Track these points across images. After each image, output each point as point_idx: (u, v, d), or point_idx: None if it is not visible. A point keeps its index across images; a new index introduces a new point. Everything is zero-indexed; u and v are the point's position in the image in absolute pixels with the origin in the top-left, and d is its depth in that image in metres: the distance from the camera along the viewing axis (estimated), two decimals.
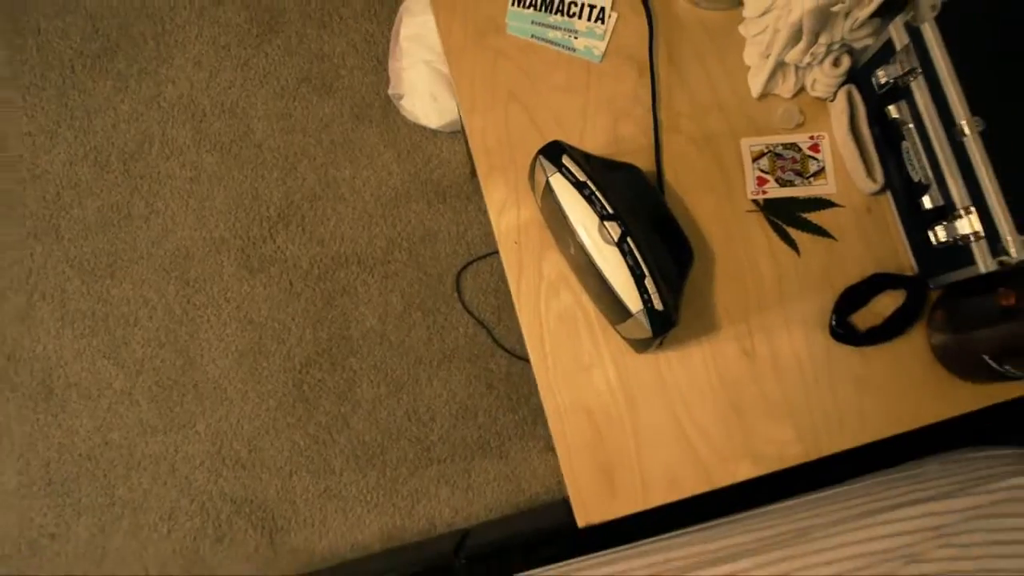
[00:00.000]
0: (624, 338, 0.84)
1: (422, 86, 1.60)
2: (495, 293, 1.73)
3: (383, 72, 1.75)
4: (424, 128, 1.73)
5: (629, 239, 0.76)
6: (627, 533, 0.94)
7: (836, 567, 0.79)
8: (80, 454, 1.69)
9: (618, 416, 0.88)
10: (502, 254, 0.92)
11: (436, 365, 1.70)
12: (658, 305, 0.75)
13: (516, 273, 0.91)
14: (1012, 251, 0.72)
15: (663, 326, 0.76)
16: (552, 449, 1.51)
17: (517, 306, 0.91)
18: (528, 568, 0.93)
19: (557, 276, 0.91)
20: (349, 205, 1.73)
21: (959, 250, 0.79)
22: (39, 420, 1.69)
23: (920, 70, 0.78)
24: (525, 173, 0.92)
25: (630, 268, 0.75)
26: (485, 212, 1.49)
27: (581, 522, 0.85)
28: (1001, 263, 0.74)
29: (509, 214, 0.92)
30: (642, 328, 0.76)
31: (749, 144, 0.93)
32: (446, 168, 1.74)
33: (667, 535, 0.91)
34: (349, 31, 1.78)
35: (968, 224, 0.76)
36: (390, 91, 1.68)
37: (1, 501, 1.68)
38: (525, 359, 1.67)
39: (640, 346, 0.83)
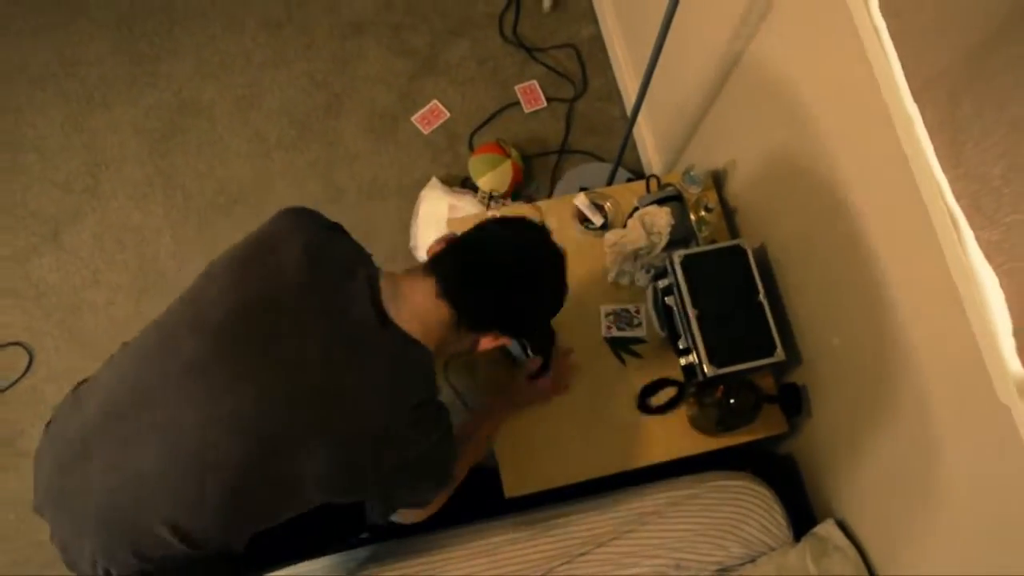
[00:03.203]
0: None
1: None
2: None
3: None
4: None
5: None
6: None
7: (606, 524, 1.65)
8: None
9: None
10: None
11: None
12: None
13: None
14: (707, 371, 1.60)
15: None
16: None
17: None
18: None
19: None
20: None
21: (693, 368, 1.67)
22: None
23: (675, 282, 1.67)
24: None
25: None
26: None
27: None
28: (706, 376, 1.62)
29: None
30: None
31: (604, 308, 1.81)
32: None
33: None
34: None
35: (694, 357, 1.65)
36: (410, 244, 2.49)
37: None
38: None
39: None
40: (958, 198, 1.09)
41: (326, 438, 1.14)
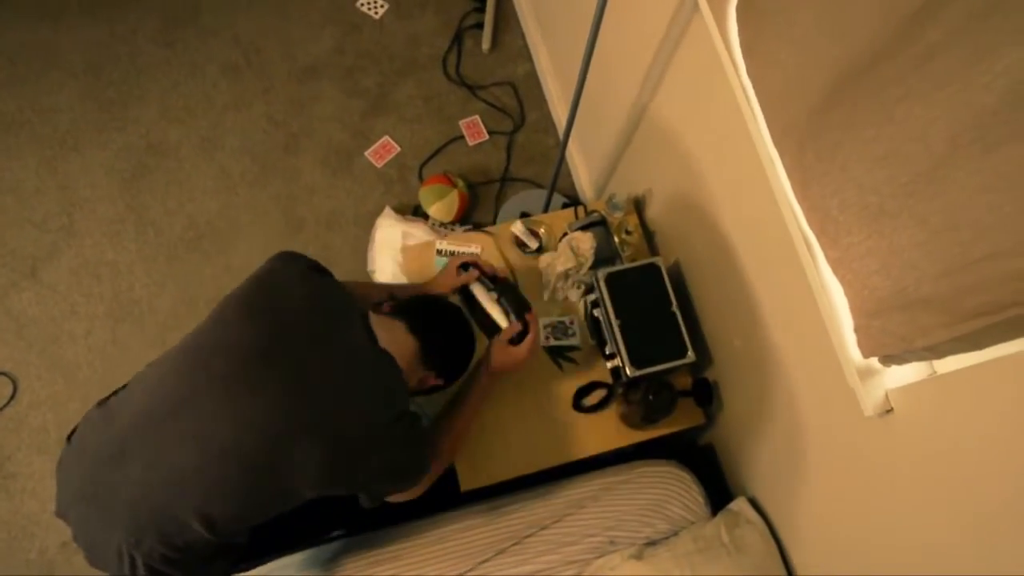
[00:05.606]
0: None
1: (388, 268, 2.68)
2: None
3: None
4: None
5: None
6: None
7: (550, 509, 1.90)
8: None
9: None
10: None
11: None
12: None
13: None
14: (629, 372, 1.86)
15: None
16: None
17: None
18: None
19: None
20: None
21: (619, 370, 1.93)
22: None
23: (600, 297, 1.93)
24: None
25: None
26: None
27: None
28: (628, 377, 1.88)
29: None
30: None
31: (542, 321, 2.06)
32: None
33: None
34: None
35: (619, 360, 1.91)
36: (368, 268, 2.72)
37: None
38: None
39: None
40: (810, 224, 1.37)
41: (319, 437, 1.39)
